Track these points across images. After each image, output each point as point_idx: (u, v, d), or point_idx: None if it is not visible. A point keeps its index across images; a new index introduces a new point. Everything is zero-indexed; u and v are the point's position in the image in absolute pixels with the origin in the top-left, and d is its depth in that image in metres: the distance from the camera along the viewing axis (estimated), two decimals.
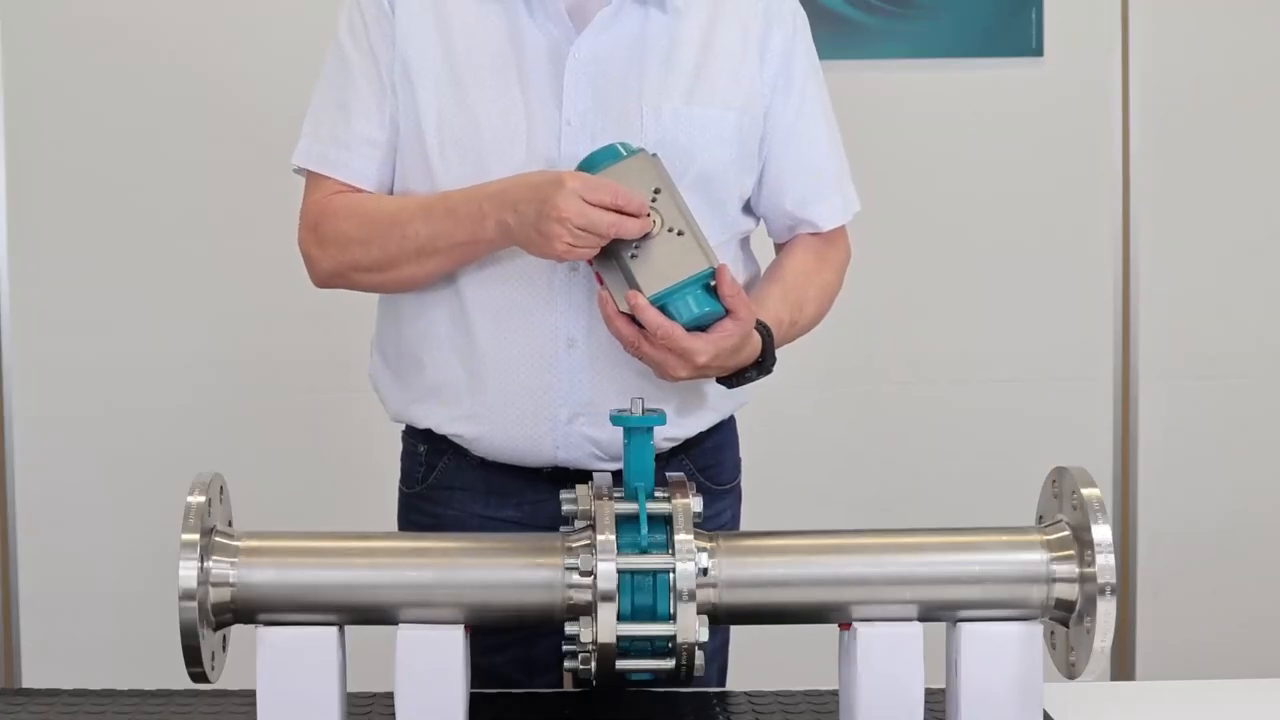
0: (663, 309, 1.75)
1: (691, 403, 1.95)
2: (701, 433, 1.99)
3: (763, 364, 1.86)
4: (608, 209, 1.73)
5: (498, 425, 1.91)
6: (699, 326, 1.76)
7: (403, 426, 2.05)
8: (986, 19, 3.13)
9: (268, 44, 3.06)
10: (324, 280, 1.98)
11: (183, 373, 3.11)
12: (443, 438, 1.97)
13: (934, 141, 3.17)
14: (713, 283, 1.76)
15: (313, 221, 1.96)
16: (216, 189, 3.07)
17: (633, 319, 1.75)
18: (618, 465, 1.88)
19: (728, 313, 1.77)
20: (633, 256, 1.75)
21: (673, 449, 1.96)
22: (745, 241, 2.03)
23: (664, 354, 1.76)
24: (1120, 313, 3.22)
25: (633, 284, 1.75)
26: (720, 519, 2.03)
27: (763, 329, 1.85)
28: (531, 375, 1.89)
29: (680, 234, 1.76)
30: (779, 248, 2.06)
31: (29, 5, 3.05)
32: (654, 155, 1.80)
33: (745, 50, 1.95)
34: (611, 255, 1.77)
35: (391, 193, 1.95)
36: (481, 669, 1.87)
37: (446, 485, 1.99)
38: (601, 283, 1.79)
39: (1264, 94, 3.20)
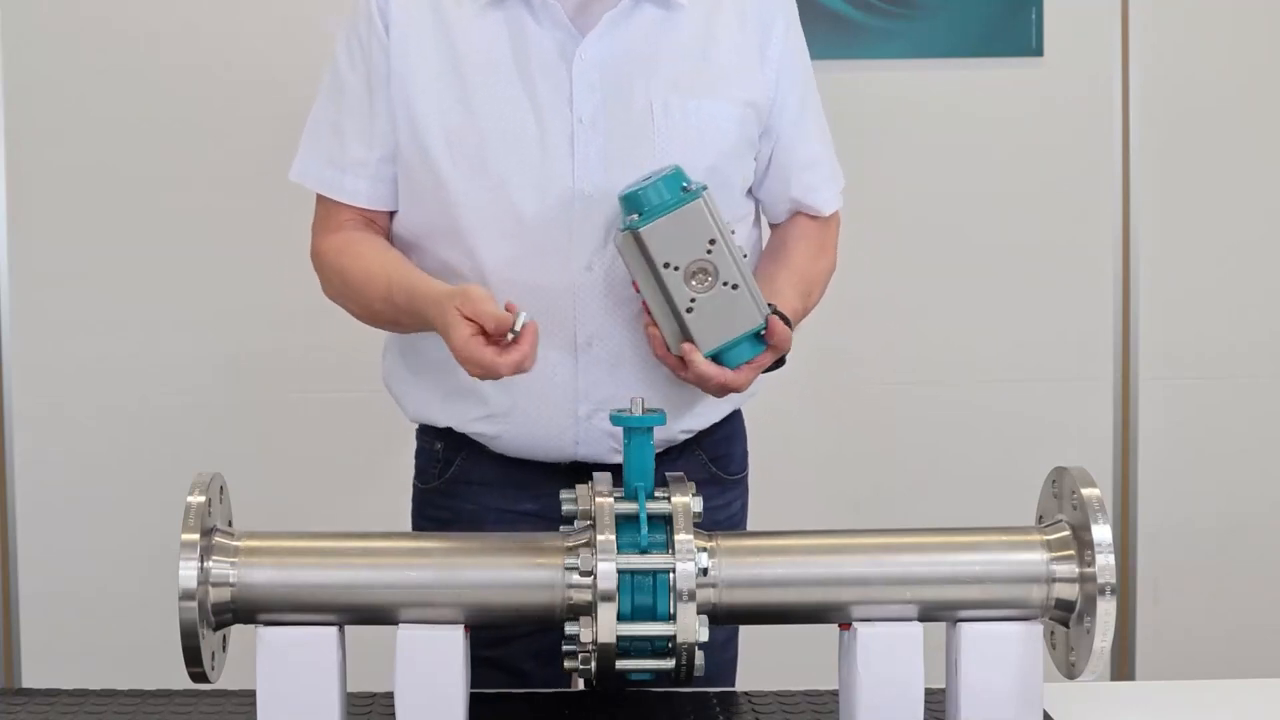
0: (714, 357, 1.82)
1: (707, 395, 1.97)
2: (715, 423, 2.03)
3: (782, 356, 1.90)
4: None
5: (520, 423, 1.94)
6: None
7: (415, 426, 2.06)
8: (986, 19, 3.13)
9: (268, 44, 3.06)
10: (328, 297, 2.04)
11: (183, 373, 3.11)
12: (462, 435, 1.98)
13: (934, 141, 3.16)
14: (762, 331, 1.83)
15: (318, 252, 2.02)
16: (217, 189, 3.07)
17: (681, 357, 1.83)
18: None
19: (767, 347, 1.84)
20: (689, 310, 1.80)
21: (686, 440, 2.00)
22: (756, 219, 2.07)
23: (708, 387, 1.84)
24: (1120, 313, 3.22)
25: (687, 336, 1.81)
26: (730, 509, 2.06)
27: (784, 320, 1.89)
28: (553, 375, 1.91)
29: (735, 287, 1.80)
30: (774, 227, 2.09)
31: (29, 5, 3.05)
32: (704, 190, 1.80)
33: (745, 43, 1.97)
34: (664, 299, 1.81)
35: (395, 211, 1.98)
36: (492, 660, 1.88)
37: (464, 480, 2.01)
38: (649, 313, 1.83)
39: (1264, 94, 3.20)
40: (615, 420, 1.65)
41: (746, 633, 2.06)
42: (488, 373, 1.76)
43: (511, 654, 1.93)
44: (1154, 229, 3.21)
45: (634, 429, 1.64)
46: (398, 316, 1.91)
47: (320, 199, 2.01)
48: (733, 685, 2.03)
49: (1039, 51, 3.14)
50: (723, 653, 2.04)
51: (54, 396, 3.10)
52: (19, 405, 3.10)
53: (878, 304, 3.12)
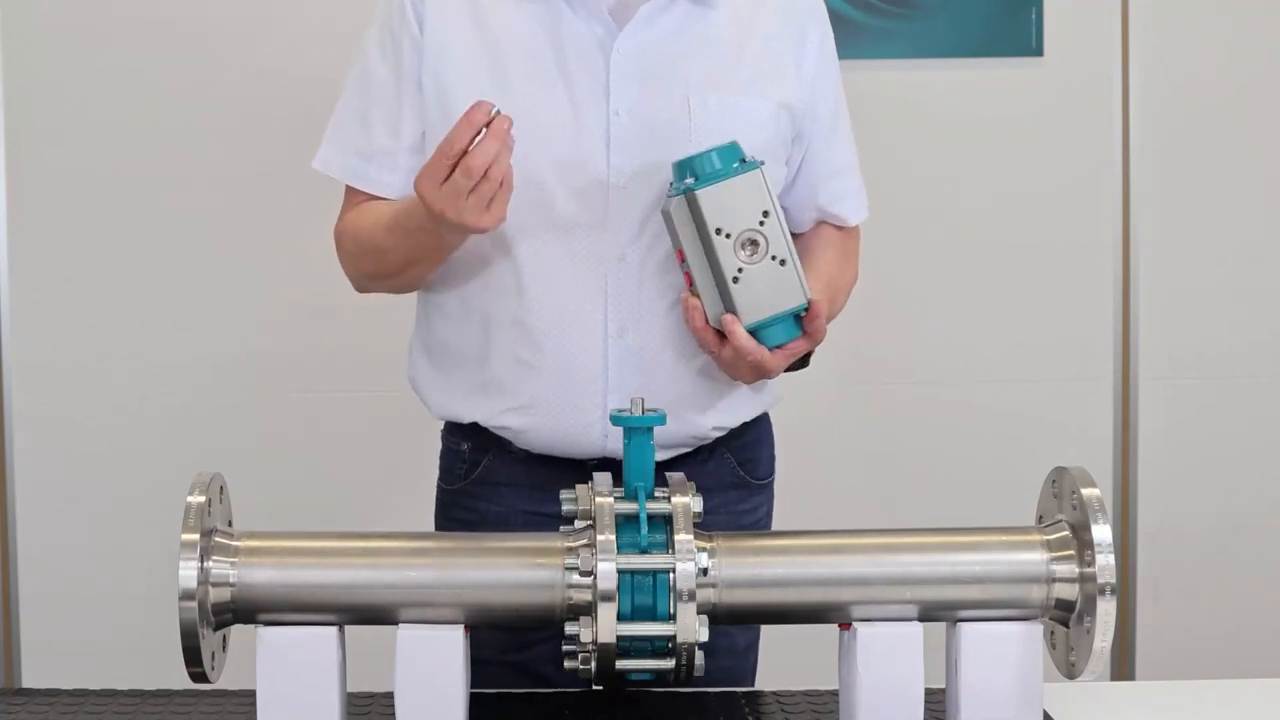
0: (752, 333, 1.81)
1: (739, 390, 1.98)
2: (745, 424, 2.02)
3: (806, 357, 1.91)
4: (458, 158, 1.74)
5: (548, 416, 1.93)
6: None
7: (421, 426, 2.06)
8: (986, 19, 3.13)
9: (270, 43, 3.06)
10: (356, 288, 2.03)
11: (183, 373, 3.11)
12: (487, 432, 1.98)
13: (933, 141, 3.17)
14: (803, 314, 1.83)
15: (337, 231, 2.01)
16: (218, 189, 3.07)
17: (718, 331, 1.82)
18: (668, 454, 1.92)
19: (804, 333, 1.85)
20: (735, 280, 1.80)
21: (716, 440, 2.00)
22: None
23: (742, 365, 1.83)
24: (1120, 313, 3.22)
25: (729, 307, 1.81)
26: (757, 513, 2.06)
27: None
28: (582, 365, 1.91)
29: (783, 263, 1.80)
30: (796, 237, 2.08)
31: (29, 5, 3.05)
32: (761, 164, 1.81)
33: (781, 46, 1.98)
34: (710, 267, 1.81)
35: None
36: (515, 665, 1.88)
37: (491, 481, 2.00)
38: (691, 284, 1.83)
39: (1264, 94, 3.20)
40: (615, 420, 1.65)
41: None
42: (451, 169, 1.73)
43: (534, 658, 1.93)
44: (1154, 229, 3.21)
45: (634, 429, 1.64)
46: (406, 239, 1.89)
47: (345, 193, 2.01)
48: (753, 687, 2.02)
49: (1039, 51, 3.14)
50: (744, 659, 2.04)
51: (54, 396, 3.10)
52: (19, 405, 3.11)
53: (877, 304, 3.11)
